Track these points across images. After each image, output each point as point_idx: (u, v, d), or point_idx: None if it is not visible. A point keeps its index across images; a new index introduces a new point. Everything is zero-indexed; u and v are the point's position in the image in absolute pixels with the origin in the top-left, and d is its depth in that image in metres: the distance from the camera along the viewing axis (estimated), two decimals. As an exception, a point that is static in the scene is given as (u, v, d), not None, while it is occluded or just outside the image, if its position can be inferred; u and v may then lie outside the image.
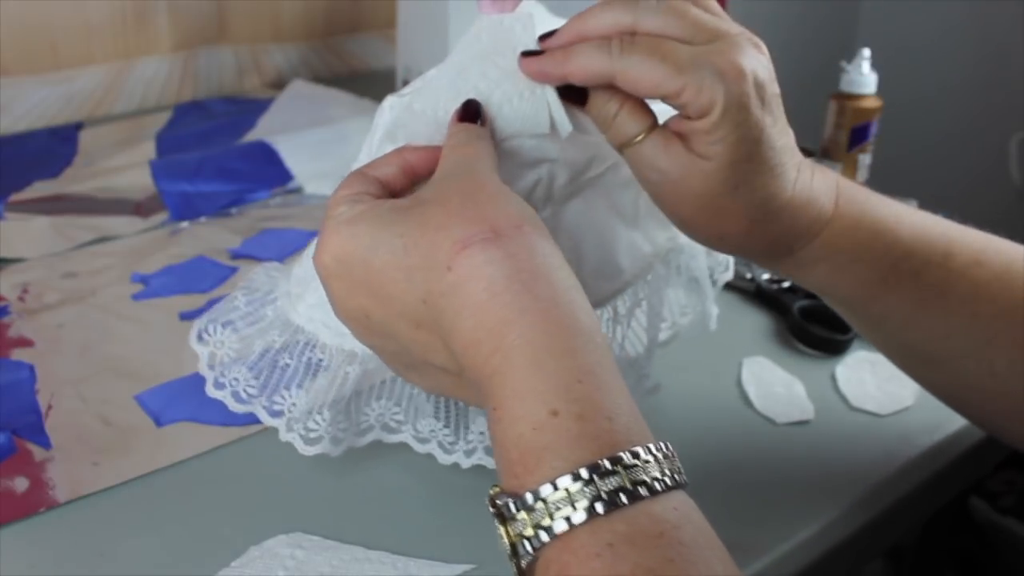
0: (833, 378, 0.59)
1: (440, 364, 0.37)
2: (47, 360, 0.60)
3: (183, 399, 0.56)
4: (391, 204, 0.38)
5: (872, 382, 0.58)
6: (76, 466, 0.51)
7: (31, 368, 0.59)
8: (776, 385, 0.58)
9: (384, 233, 0.37)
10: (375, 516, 0.48)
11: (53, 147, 0.94)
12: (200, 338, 0.49)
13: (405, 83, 1.05)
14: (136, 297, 0.67)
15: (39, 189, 0.84)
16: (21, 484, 0.49)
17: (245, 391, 0.48)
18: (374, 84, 1.18)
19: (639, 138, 0.41)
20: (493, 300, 0.34)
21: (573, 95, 0.42)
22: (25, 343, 0.62)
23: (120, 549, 0.45)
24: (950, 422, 0.55)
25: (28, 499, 0.48)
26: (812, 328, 0.62)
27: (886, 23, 1.75)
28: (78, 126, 1.00)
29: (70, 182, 0.86)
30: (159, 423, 0.54)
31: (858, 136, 0.86)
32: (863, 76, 0.85)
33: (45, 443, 0.52)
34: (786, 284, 0.68)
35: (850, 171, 0.87)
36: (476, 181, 0.38)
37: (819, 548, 0.47)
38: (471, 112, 0.41)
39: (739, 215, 0.42)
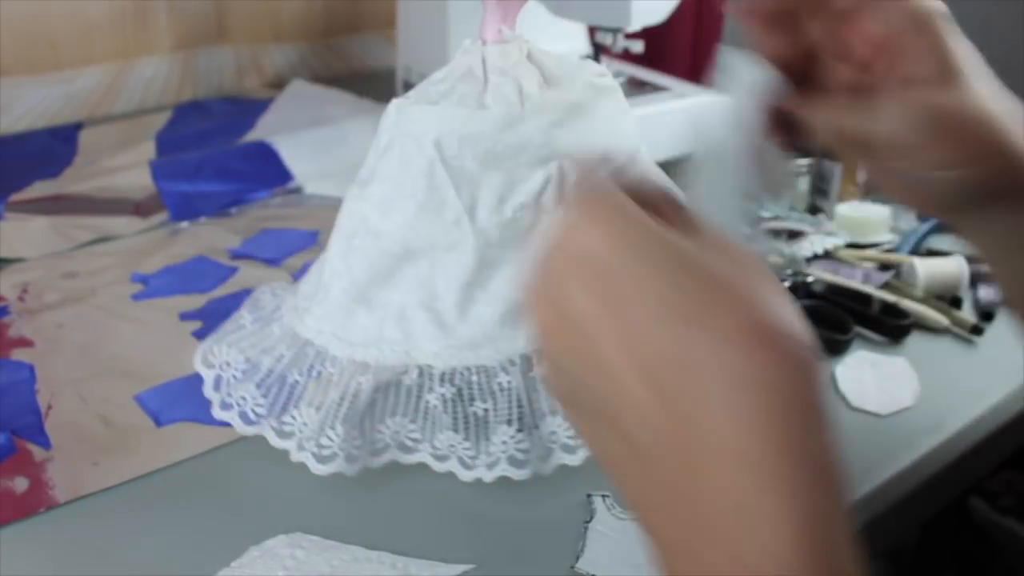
0: (833, 378, 0.59)
1: (636, 434, 0.29)
2: (47, 360, 0.60)
3: (183, 399, 0.56)
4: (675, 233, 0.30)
5: (872, 382, 0.58)
6: (76, 466, 0.51)
7: (31, 368, 0.59)
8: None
9: (667, 251, 0.29)
10: (375, 516, 0.48)
11: (53, 147, 0.94)
12: (206, 360, 0.49)
13: (405, 83, 1.06)
14: (136, 297, 0.67)
15: (39, 189, 0.84)
16: (21, 484, 0.49)
17: (253, 411, 0.47)
18: (374, 84, 1.18)
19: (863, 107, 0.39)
20: (786, 426, 0.27)
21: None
22: (25, 343, 0.62)
23: (120, 549, 0.45)
24: (950, 422, 0.55)
25: (28, 499, 0.48)
26: (812, 328, 0.62)
27: (886, 23, 1.74)
28: (78, 126, 1.00)
29: (70, 182, 0.86)
30: (159, 423, 0.54)
31: (858, 136, 0.86)
32: (863, 76, 0.85)
33: (45, 443, 0.52)
34: (786, 284, 0.68)
35: (850, 171, 0.87)
36: (776, 288, 0.30)
37: (819, 548, 0.47)
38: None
39: None
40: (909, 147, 0.38)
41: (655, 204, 0.32)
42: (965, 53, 0.39)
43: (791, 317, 0.29)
